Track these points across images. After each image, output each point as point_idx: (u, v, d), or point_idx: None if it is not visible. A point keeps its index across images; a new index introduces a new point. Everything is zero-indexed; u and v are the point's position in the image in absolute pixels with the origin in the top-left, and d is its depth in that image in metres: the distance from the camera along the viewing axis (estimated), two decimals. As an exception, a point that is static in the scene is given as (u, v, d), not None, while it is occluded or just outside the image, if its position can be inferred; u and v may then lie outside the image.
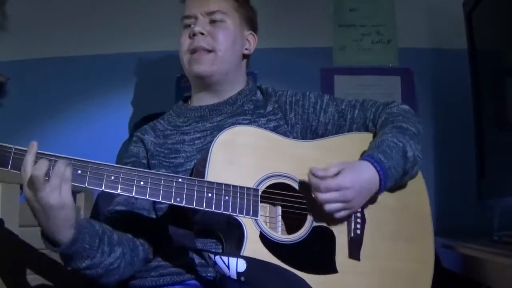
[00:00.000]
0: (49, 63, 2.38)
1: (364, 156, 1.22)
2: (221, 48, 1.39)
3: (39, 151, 1.06)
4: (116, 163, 1.38)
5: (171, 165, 1.34)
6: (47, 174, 1.03)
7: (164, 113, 1.53)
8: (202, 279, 1.22)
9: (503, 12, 1.58)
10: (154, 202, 1.30)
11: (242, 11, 1.46)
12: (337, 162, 1.19)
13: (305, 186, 1.22)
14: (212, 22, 1.40)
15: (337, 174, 1.16)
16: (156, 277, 1.26)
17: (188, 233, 1.19)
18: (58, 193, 1.03)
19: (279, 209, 1.24)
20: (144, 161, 1.38)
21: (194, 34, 1.38)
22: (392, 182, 1.23)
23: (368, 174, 1.18)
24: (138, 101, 2.36)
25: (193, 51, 1.39)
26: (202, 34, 1.38)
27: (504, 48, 1.62)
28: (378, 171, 1.18)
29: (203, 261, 1.18)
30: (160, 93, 2.30)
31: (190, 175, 1.28)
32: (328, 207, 1.16)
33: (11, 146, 1.07)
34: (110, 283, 1.23)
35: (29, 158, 1.04)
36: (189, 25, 1.42)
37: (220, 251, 1.21)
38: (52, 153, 1.08)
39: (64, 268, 1.16)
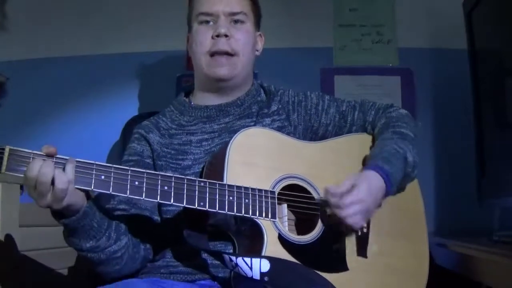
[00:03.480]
0: (49, 63, 2.38)
1: (368, 165, 1.25)
2: (243, 53, 1.36)
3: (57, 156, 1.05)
4: (114, 164, 1.38)
5: (178, 167, 1.32)
6: (52, 181, 1.01)
7: (155, 112, 1.48)
8: (214, 279, 1.22)
9: (503, 12, 1.58)
10: (161, 204, 1.27)
11: (256, 11, 1.43)
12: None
13: (317, 188, 1.25)
14: (233, 22, 1.36)
15: (351, 187, 1.18)
16: (166, 274, 1.25)
17: (202, 236, 1.19)
18: (62, 201, 1.02)
19: (285, 208, 1.25)
20: (149, 160, 1.35)
21: (218, 36, 1.33)
22: (396, 187, 1.27)
23: (376, 181, 1.22)
24: (138, 101, 2.35)
25: (215, 53, 1.34)
26: (226, 36, 1.33)
27: (504, 48, 1.62)
28: (383, 178, 1.22)
29: (215, 262, 1.18)
30: (160, 93, 2.30)
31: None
32: (351, 220, 1.17)
33: (29, 151, 1.04)
34: (108, 273, 1.21)
35: (38, 163, 1.02)
36: (206, 22, 1.36)
37: (231, 252, 1.20)
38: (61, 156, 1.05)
39: (65, 280, 1.15)
